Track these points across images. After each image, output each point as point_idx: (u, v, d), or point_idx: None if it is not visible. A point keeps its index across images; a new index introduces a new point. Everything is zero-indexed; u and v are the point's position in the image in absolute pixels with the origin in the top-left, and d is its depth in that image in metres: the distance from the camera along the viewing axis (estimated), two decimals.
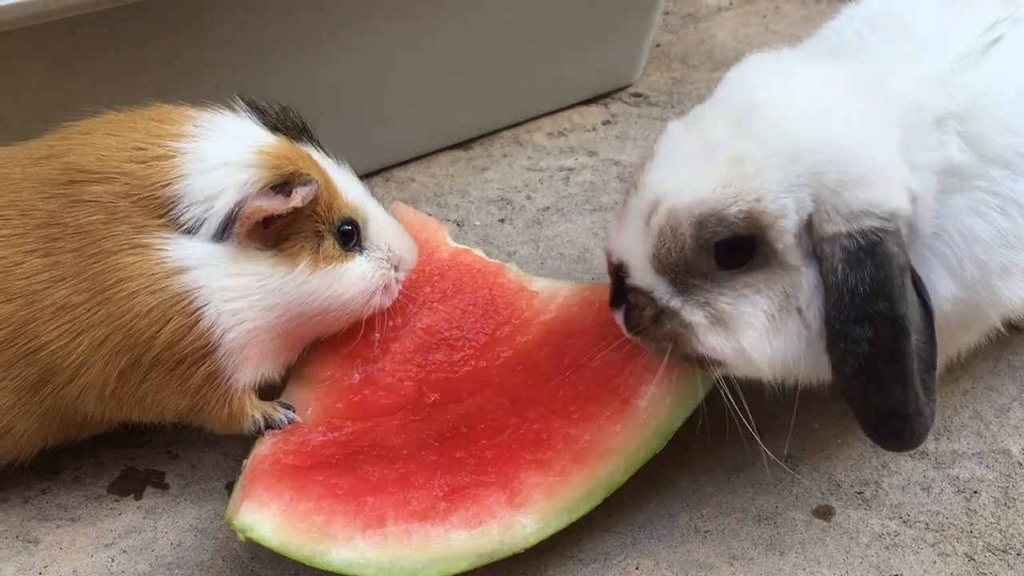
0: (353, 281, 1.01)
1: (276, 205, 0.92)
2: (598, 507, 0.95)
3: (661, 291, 0.90)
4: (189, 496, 1.06)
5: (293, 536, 0.89)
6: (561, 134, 1.57)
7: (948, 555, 0.96)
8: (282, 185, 0.93)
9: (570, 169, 1.50)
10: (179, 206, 0.93)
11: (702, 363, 0.92)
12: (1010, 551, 0.96)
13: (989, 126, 0.87)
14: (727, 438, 1.08)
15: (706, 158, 0.87)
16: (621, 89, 1.66)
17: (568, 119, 1.60)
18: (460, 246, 1.16)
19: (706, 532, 1.00)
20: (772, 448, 1.07)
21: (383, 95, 1.42)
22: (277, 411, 1.01)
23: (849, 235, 0.84)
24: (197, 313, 0.93)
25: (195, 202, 0.93)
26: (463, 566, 0.90)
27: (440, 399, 1.04)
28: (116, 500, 1.06)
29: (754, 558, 0.97)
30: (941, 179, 0.87)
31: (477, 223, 1.40)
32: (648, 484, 1.03)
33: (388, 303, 1.06)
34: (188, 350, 0.94)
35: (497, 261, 1.15)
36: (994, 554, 0.96)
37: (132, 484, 1.08)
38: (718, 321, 0.88)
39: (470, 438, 0.98)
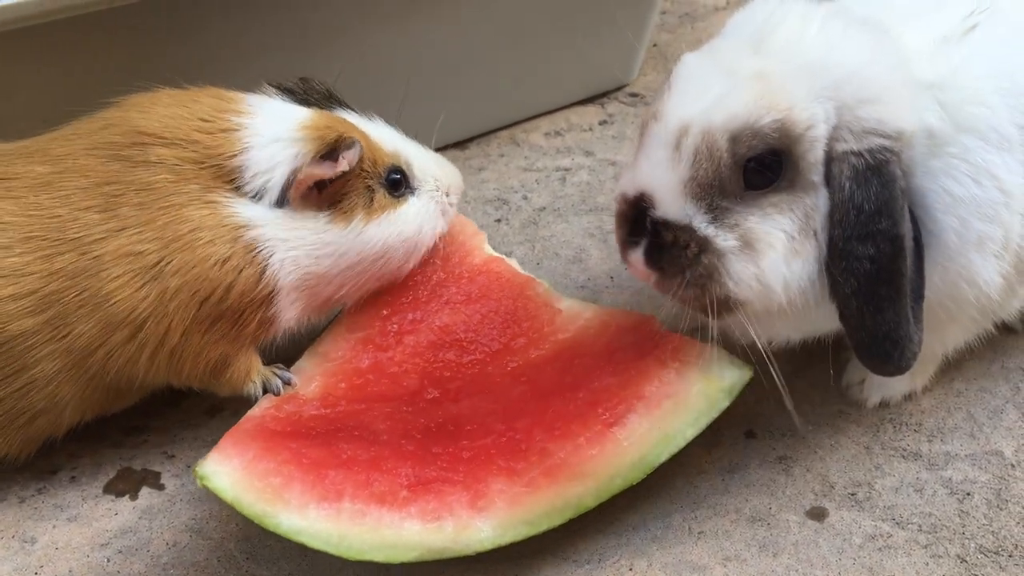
0: (411, 220, 1.08)
1: (326, 170, 1.00)
2: (591, 511, 0.95)
3: (699, 220, 0.90)
4: (185, 496, 1.06)
5: (247, 492, 0.90)
6: (558, 134, 1.57)
7: (940, 557, 0.97)
8: (329, 153, 1.00)
9: (567, 169, 1.50)
10: (244, 175, 1.00)
11: (723, 307, 0.92)
12: (1002, 553, 0.97)
13: (963, 97, 0.91)
14: (721, 439, 1.09)
15: (730, 79, 0.89)
16: (618, 89, 1.66)
17: (565, 119, 1.61)
18: (495, 254, 1.17)
19: (700, 533, 1.00)
20: (766, 449, 1.08)
21: (379, 95, 1.42)
22: (274, 376, 1.05)
23: (858, 153, 0.87)
24: (264, 263, 0.99)
25: (257, 172, 1.00)
26: (411, 556, 0.90)
27: (438, 396, 1.05)
28: (112, 500, 1.06)
29: (747, 559, 0.97)
30: (926, 142, 0.90)
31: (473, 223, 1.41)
32: (642, 485, 1.02)
33: (446, 227, 1.13)
34: (255, 298, 0.99)
35: (529, 275, 1.16)
36: (986, 556, 0.96)
37: (128, 484, 1.08)
38: (746, 244, 0.89)
39: (453, 437, 0.98)
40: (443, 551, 0.90)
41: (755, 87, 0.88)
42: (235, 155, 0.99)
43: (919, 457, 1.06)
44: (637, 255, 0.93)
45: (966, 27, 0.94)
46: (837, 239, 0.88)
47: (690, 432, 0.96)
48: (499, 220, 1.41)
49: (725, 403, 0.97)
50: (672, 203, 0.90)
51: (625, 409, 0.96)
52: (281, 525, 0.89)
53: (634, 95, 1.65)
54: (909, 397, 1.11)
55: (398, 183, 1.07)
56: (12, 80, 1.16)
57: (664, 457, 0.95)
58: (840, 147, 0.88)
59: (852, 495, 1.03)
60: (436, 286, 1.13)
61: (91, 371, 0.99)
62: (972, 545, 0.97)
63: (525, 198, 1.45)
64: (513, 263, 1.17)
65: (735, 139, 0.87)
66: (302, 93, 1.09)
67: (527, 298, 1.13)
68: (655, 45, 1.78)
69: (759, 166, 0.89)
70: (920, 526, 0.99)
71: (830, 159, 0.89)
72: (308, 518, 0.90)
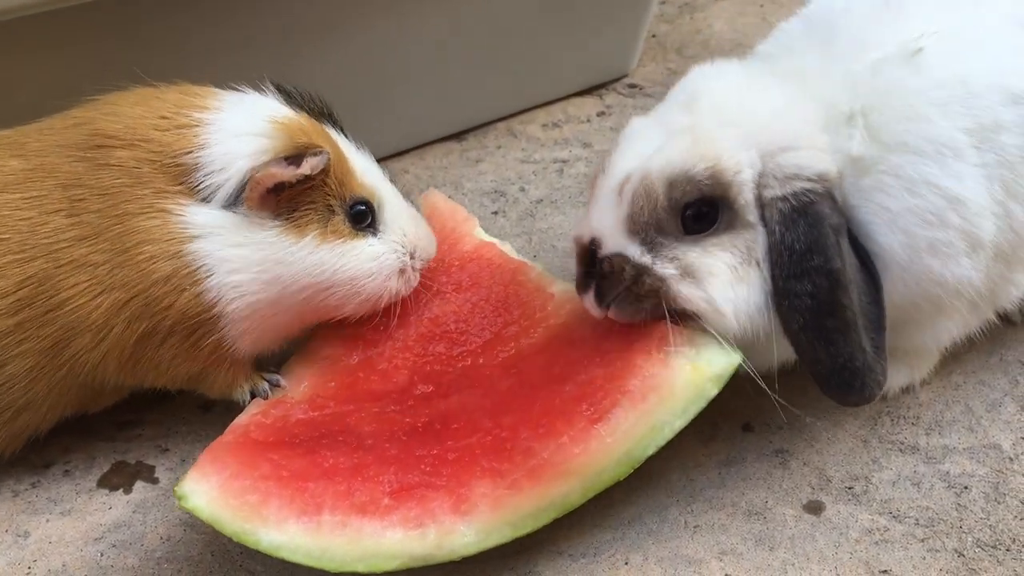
0: (363, 260, 1.02)
1: (286, 172, 0.95)
2: (586, 505, 0.94)
3: (634, 250, 0.95)
4: None
5: (224, 511, 0.89)
6: (555, 125, 1.57)
7: (938, 551, 0.96)
8: (295, 156, 0.96)
9: (564, 161, 1.49)
10: (198, 173, 0.96)
11: (682, 317, 0.96)
12: (999, 547, 0.96)
13: (888, 117, 0.95)
14: (718, 433, 1.09)
15: (667, 134, 0.97)
16: (616, 80, 1.66)
17: (563, 110, 1.60)
18: (487, 239, 1.16)
19: (696, 527, 1.00)
20: (763, 443, 1.07)
21: (376, 86, 1.42)
22: (262, 381, 1.04)
23: (784, 198, 0.93)
24: (204, 283, 0.96)
25: (213, 170, 0.96)
26: (393, 565, 0.89)
27: (428, 392, 1.04)
28: (106, 494, 1.06)
29: (743, 553, 0.97)
30: (852, 168, 0.95)
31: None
32: (638, 479, 1.02)
33: (404, 290, 1.07)
34: (199, 319, 0.97)
35: (521, 258, 1.14)
36: (984, 550, 0.96)
37: (122, 478, 1.08)
38: (687, 273, 0.94)
39: (439, 437, 0.97)
40: (426, 558, 0.89)
41: (687, 139, 0.95)
42: (190, 151, 0.96)
43: (917, 450, 1.05)
44: (588, 297, 0.98)
45: (912, 50, 0.96)
46: (777, 279, 0.93)
47: (678, 423, 0.94)
48: (496, 212, 1.41)
49: (714, 391, 0.95)
50: (612, 239, 0.96)
51: (610, 404, 0.94)
52: (261, 542, 0.89)
53: (632, 86, 1.65)
54: (907, 390, 1.11)
55: (362, 216, 1.02)
56: (8, 73, 1.15)
57: (651, 450, 0.93)
58: (768, 193, 0.94)
59: (849, 489, 1.02)
60: (426, 275, 1.10)
61: (62, 371, 0.98)
62: (969, 539, 0.97)
63: (522, 190, 1.44)
64: (506, 247, 1.15)
65: (671, 184, 0.94)
66: (299, 100, 1.05)
67: (519, 284, 1.11)
68: (654, 36, 1.77)
69: (697, 214, 0.94)
70: (917, 520, 0.99)
71: (762, 205, 0.94)
72: (287, 533, 0.89)
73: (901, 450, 1.05)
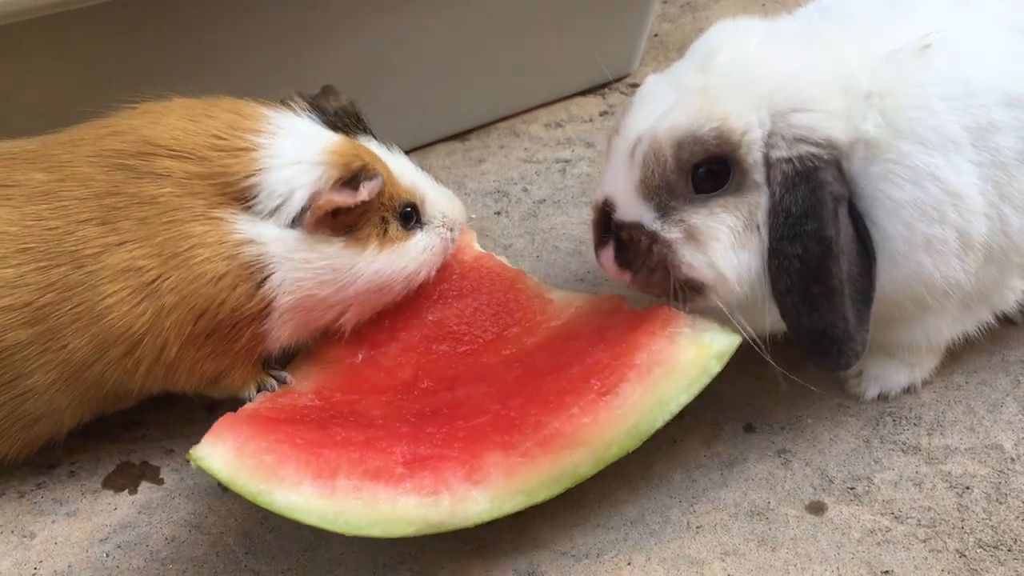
0: (416, 254, 1.08)
1: (346, 198, 0.99)
2: (589, 501, 0.95)
3: (648, 218, 0.97)
4: (184, 491, 1.06)
5: (241, 471, 0.90)
6: (558, 125, 1.57)
7: (939, 551, 0.96)
8: (351, 180, 0.99)
9: (567, 161, 1.49)
10: (258, 196, 0.98)
11: (689, 288, 0.97)
12: (1001, 547, 0.96)
13: (902, 103, 0.95)
14: (721, 433, 1.09)
15: (678, 95, 0.97)
16: (619, 80, 1.66)
17: (565, 110, 1.60)
18: (484, 251, 1.18)
19: (698, 528, 1.00)
20: (765, 443, 1.08)
21: (379, 86, 1.42)
22: (269, 379, 1.06)
23: (788, 160, 0.93)
24: (261, 280, 0.98)
25: (272, 194, 0.98)
26: (408, 531, 0.89)
27: (433, 385, 1.06)
28: (111, 495, 1.06)
29: (746, 554, 0.97)
30: (864, 151, 0.95)
31: (473, 216, 1.40)
32: (641, 479, 1.03)
33: (442, 261, 1.13)
34: (248, 313, 0.99)
35: (518, 268, 1.16)
36: (985, 550, 0.96)
37: (127, 479, 1.08)
38: (691, 236, 0.96)
39: (448, 419, 0.98)
40: (441, 524, 0.90)
41: (696, 100, 0.95)
42: (250, 175, 0.98)
43: (918, 451, 1.06)
44: (606, 256, 1.01)
45: (921, 45, 0.97)
46: (771, 239, 0.95)
47: (683, 398, 0.95)
48: (499, 212, 1.41)
49: (717, 368, 0.97)
50: (627, 204, 0.98)
51: (617, 379, 0.96)
52: (276, 503, 0.89)
53: (635, 86, 1.65)
54: (908, 390, 1.11)
55: (409, 216, 1.07)
56: (10, 76, 1.16)
57: (659, 424, 0.95)
58: (775, 154, 0.94)
59: (851, 489, 1.02)
60: (427, 282, 1.12)
61: (87, 383, 0.99)
62: (971, 539, 0.97)
63: (525, 190, 1.45)
64: (502, 259, 1.17)
65: (679, 146, 0.94)
66: (332, 116, 1.08)
67: (518, 290, 1.14)
68: (656, 35, 1.77)
69: (708, 173, 0.95)
70: (919, 520, 0.99)
71: (769, 165, 0.94)
72: (303, 495, 0.89)
73: (903, 450, 1.06)
